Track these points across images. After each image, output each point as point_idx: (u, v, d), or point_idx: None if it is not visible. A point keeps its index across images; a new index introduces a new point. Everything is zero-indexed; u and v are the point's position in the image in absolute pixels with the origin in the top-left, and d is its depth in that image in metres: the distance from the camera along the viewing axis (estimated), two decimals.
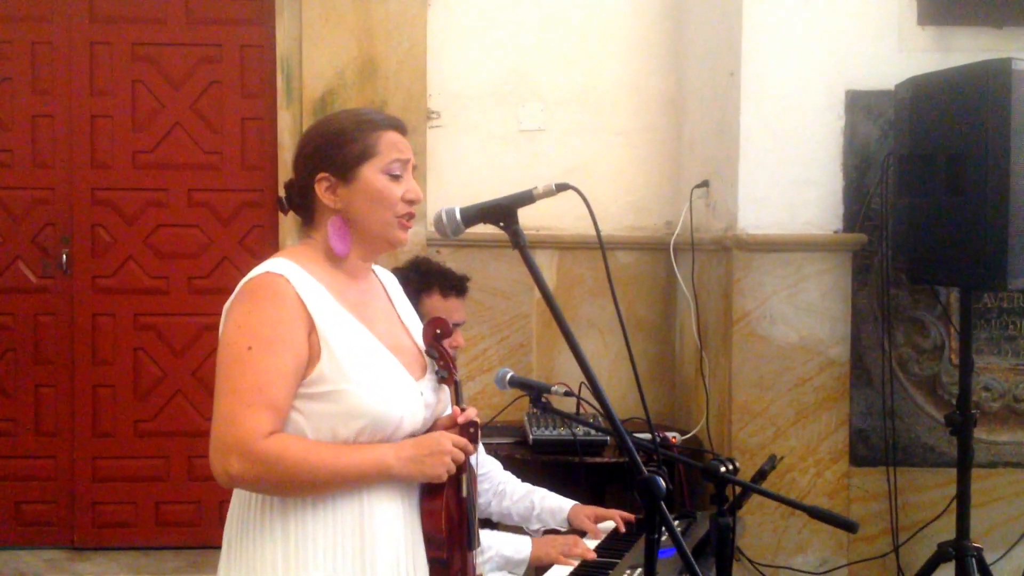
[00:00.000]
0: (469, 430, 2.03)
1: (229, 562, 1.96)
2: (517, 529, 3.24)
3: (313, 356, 1.88)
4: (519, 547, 2.88)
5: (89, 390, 4.64)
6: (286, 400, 1.85)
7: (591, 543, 2.94)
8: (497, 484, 3.20)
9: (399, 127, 2.03)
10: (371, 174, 1.97)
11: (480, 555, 2.76)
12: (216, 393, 1.85)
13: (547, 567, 2.84)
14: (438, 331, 2.12)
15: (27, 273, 4.61)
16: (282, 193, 2.10)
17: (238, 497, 1.97)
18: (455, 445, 1.98)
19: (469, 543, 2.09)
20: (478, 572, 2.15)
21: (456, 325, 2.94)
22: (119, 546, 4.64)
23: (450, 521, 2.03)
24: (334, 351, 1.89)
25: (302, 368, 1.87)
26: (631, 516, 3.03)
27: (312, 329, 1.88)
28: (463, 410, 2.06)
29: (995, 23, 3.94)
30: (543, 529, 3.15)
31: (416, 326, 2.16)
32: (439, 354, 2.11)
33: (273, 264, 1.92)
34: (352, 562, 1.91)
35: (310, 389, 1.87)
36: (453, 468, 1.99)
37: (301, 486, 1.88)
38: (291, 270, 1.90)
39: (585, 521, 3.04)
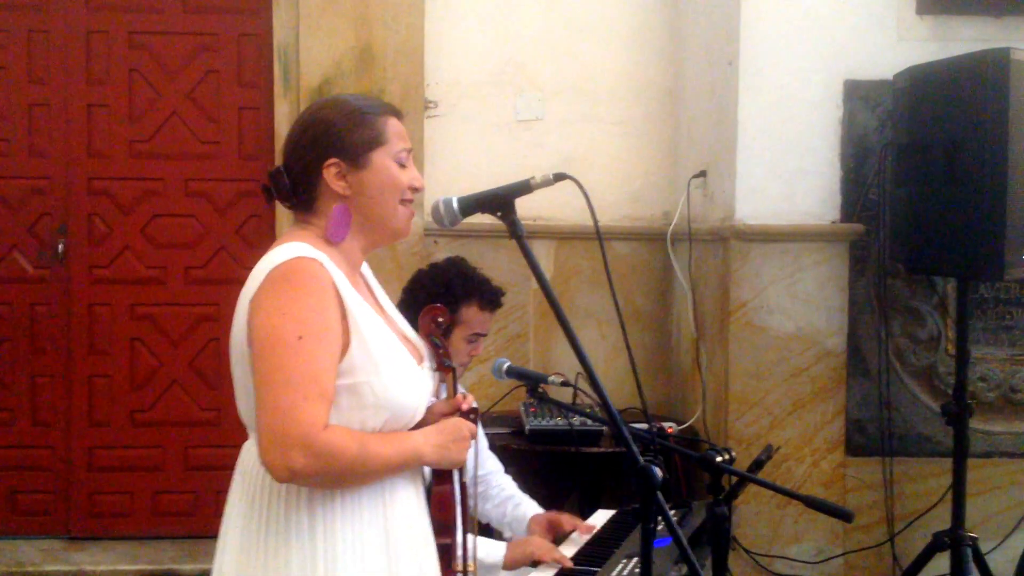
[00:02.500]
0: (470, 416, 2.04)
1: (246, 561, 1.88)
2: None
3: (344, 343, 1.84)
4: (491, 550, 2.85)
5: (85, 380, 4.63)
6: (334, 390, 1.82)
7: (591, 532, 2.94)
8: (492, 486, 3.19)
9: (399, 114, 2.02)
10: (383, 161, 1.95)
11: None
12: (265, 384, 1.78)
13: (524, 566, 2.82)
14: (440, 319, 2.13)
15: (23, 263, 4.60)
16: (272, 182, 2.01)
17: (254, 494, 1.89)
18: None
19: (467, 528, 2.09)
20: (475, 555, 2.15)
21: (481, 336, 2.94)
22: (115, 536, 4.64)
23: (456, 507, 2.04)
24: (364, 339, 1.86)
25: (340, 354, 1.84)
26: (586, 526, 2.99)
27: (344, 316, 1.85)
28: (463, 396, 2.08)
29: (994, 13, 3.94)
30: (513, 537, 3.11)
31: (397, 315, 2.14)
32: (440, 342, 2.12)
33: (299, 248, 1.85)
34: (378, 555, 1.90)
35: (342, 380, 1.84)
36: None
37: (355, 478, 1.86)
38: (320, 254, 1.86)
39: (538, 531, 2.99)
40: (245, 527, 1.90)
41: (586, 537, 2.94)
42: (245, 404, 1.91)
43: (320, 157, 1.93)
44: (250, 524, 1.89)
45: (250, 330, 1.83)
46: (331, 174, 1.93)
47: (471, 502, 2.10)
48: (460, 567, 2.06)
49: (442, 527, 2.02)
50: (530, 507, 3.14)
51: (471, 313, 2.92)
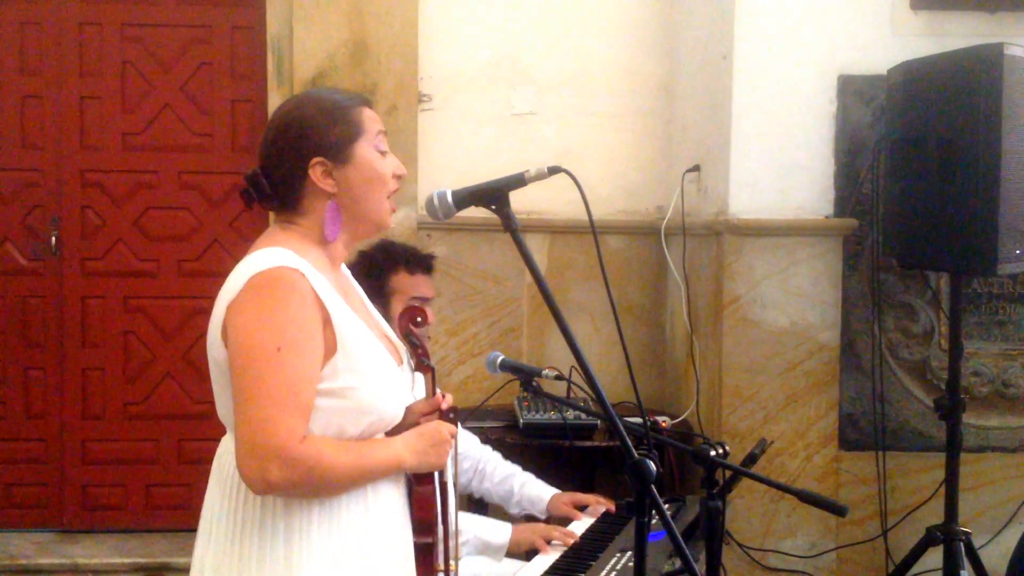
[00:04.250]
0: (449, 416, 2.05)
1: (221, 559, 1.87)
2: (499, 512, 3.24)
3: (328, 350, 1.83)
4: (498, 532, 2.88)
5: (79, 373, 4.63)
6: (312, 401, 1.81)
7: (580, 526, 2.94)
8: (477, 462, 3.20)
9: (370, 103, 2.01)
10: (365, 152, 1.93)
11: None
12: (243, 395, 1.77)
13: (529, 551, 2.85)
14: (418, 319, 2.15)
15: (16, 255, 4.59)
16: (253, 186, 1.97)
17: (230, 492, 1.88)
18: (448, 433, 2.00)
19: (447, 527, 2.10)
20: (456, 555, 2.17)
21: (424, 300, 2.96)
22: (109, 529, 4.64)
23: (437, 506, 2.04)
24: (348, 347, 1.85)
25: (320, 365, 1.83)
26: (609, 503, 3.02)
27: (327, 323, 1.84)
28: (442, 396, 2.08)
29: (988, 8, 3.94)
30: (523, 514, 3.15)
31: (376, 312, 2.13)
32: (418, 342, 2.13)
33: (280, 256, 1.84)
34: (355, 559, 1.89)
35: (325, 385, 1.83)
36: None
37: (333, 488, 1.85)
38: (301, 263, 1.84)
39: (565, 508, 3.04)
40: (218, 523, 1.89)
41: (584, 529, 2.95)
42: (223, 402, 1.90)
43: (304, 157, 1.91)
44: (223, 521, 1.88)
45: (228, 336, 1.83)
46: (317, 173, 1.91)
47: (451, 502, 2.11)
48: (442, 567, 2.07)
49: (424, 526, 2.02)
50: (542, 487, 3.15)
51: (400, 279, 2.95)
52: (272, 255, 1.84)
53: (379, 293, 2.89)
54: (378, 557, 1.92)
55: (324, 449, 1.81)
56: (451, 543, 2.11)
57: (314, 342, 1.82)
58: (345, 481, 1.86)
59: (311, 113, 1.93)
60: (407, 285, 2.94)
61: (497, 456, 3.27)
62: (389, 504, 1.95)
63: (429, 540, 2.03)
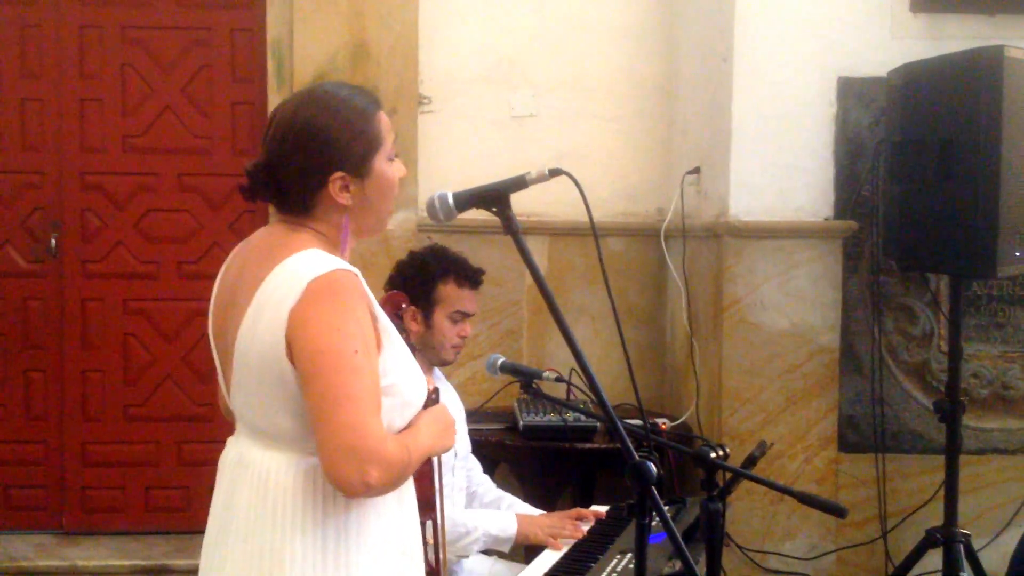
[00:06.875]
0: (432, 397, 2.07)
1: (273, 557, 1.82)
2: None
3: (376, 346, 1.85)
4: (504, 525, 2.90)
5: (78, 375, 4.62)
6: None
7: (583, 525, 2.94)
8: (469, 484, 3.21)
9: (381, 103, 1.98)
10: (381, 165, 1.91)
11: (466, 537, 2.80)
12: (328, 401, 1.75)
13: (534, 545, 2.86)
14: (403, 305, 2.22)
15: (16, 258, 4.58)
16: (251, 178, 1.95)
17: (284, 500, 1.83)
18: None
19: (442, 502, 2.16)
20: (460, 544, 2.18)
21: (466, 315, 2.97)
22: (108, 531, 4.63)
23: (435, 484, 2.10)
24: (393, 342, 1.88)
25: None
26: (600, 513, 3.02)
27: (374, 321, 1.85)
28: None
29: (987, 10, 3.94)
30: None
31: None
32: (404, 329, 2.16)
33: (328, 259, 1.82)
34: (394, 543, 1.92)
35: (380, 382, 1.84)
36: None
37: (402, 483, 1.89)
38: (349, 265, 1.84)
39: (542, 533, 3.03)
40: (276, 530, 1.83)
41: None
42: (272, 411, 1.85)
43: (324, 170, 1.87)
44: (280, 527, 1.83)
45: (295, 343, 1.79)
46: (336, 188, 1.87)
47: (435, 477, 2.15)
48: (431, 539, 2.12)
49: (424, 504, 2.06)
50: (524, 507, 3.16)
51: (448, 290, 2.94)
52: (321, 258, 1.82)
53: (424, 298, 2.91)
54: (409, 545, 1.96)
55: (400, 446, 1.82)
56: (437, 519, 2.16)
57: (374, 342, 1.83)
58: (410, 474, 1.89)
59: (334, 125, 1.87)
60: (454, 296, 2.94)
61: (488, 480, 3.29)
62: (410, 492, 1.98)
63: (428, 519, 2.09)
